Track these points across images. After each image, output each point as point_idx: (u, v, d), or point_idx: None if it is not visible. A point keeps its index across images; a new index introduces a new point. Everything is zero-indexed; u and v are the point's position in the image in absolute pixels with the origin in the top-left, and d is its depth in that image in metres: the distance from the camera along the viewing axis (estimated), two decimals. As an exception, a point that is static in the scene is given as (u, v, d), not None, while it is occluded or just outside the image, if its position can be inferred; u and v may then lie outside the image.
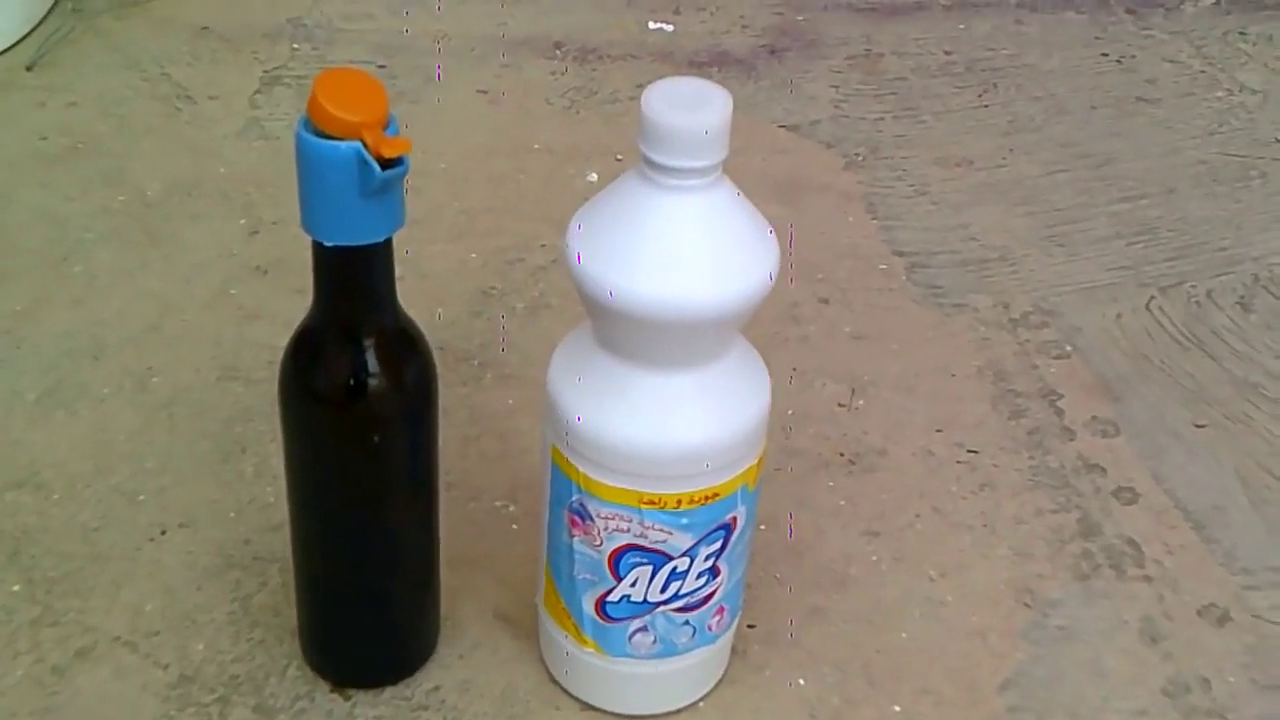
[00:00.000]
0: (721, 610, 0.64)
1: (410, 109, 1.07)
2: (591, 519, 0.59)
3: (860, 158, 1.07)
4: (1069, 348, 0.89)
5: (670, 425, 0.57)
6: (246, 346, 0.84)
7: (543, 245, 0.94)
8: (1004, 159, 1.08)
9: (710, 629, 0.64)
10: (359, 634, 0.64)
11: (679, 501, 0.58)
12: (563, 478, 0.59)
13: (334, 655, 0.65)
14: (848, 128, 1.10)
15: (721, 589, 0.62)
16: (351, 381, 0.57)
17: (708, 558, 0.60)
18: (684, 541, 0.59)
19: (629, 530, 0.59)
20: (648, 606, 0.61)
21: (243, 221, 0.95)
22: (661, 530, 0.59)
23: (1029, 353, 0.89)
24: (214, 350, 0.84)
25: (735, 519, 0.60)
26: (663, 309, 0.54)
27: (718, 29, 1.23)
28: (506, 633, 0.69)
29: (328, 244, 0.54)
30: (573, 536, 0.60)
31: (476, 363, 0.85)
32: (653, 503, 0.58)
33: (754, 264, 0.55)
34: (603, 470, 0.58)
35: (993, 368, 0.87)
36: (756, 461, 0.60)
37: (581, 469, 0.58)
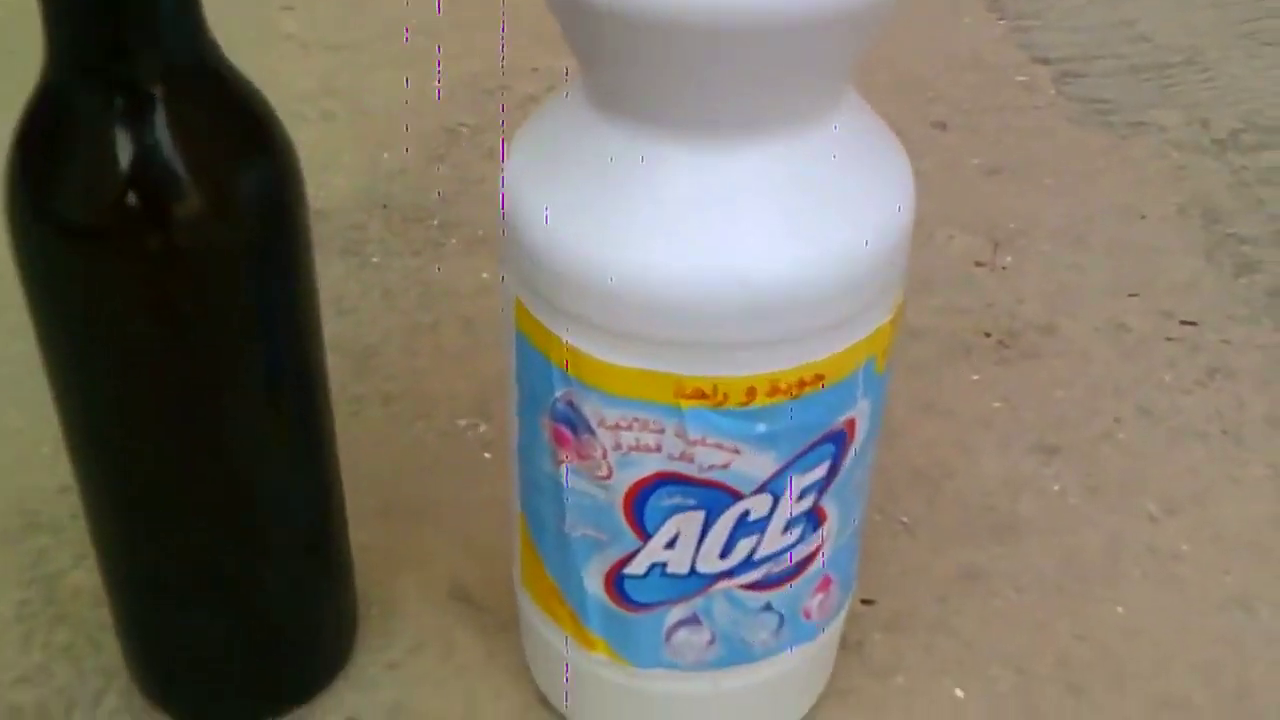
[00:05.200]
0: (827, 584, 0.37)
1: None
2: (591, 430, 0.32)
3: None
4: (1304, 174, 0.62)
5: (730, 244, 0.30)
6: None
7: (534, 69, 0.67)
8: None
9: (808, 615, 0.37)
10: (211, 643, 0.38)
11: (750, 392, 0.31)
12: (538, 358, 0.33)
13: (174, 678, 0.39)
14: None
15: (828, 548, 0.36)
16: (130, 186, 0.30)
17: (804, 494, 0.34)
18: (762, 466, 0.32)
19: (660, 448, 0.32)
20: (698, 581, 0.35)
21: None
22: (720, 446, 0.32)
23: (1248, 183, 0.62)
24: None
25: (853, 423, 0.33)
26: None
27: None
28: (468, 624, 0.43)
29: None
30: (560, 463, 0.34)
31: (436, 223, 0.59)
32: (702, 395, 0.31)
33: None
34: (608, 338, 0.31)
35: (1199, 205, 0.60)
36: (890, 319, 0.33)
37: (570, 340, 0.31)
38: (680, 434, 0.32)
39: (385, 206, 0.59)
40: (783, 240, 0.30)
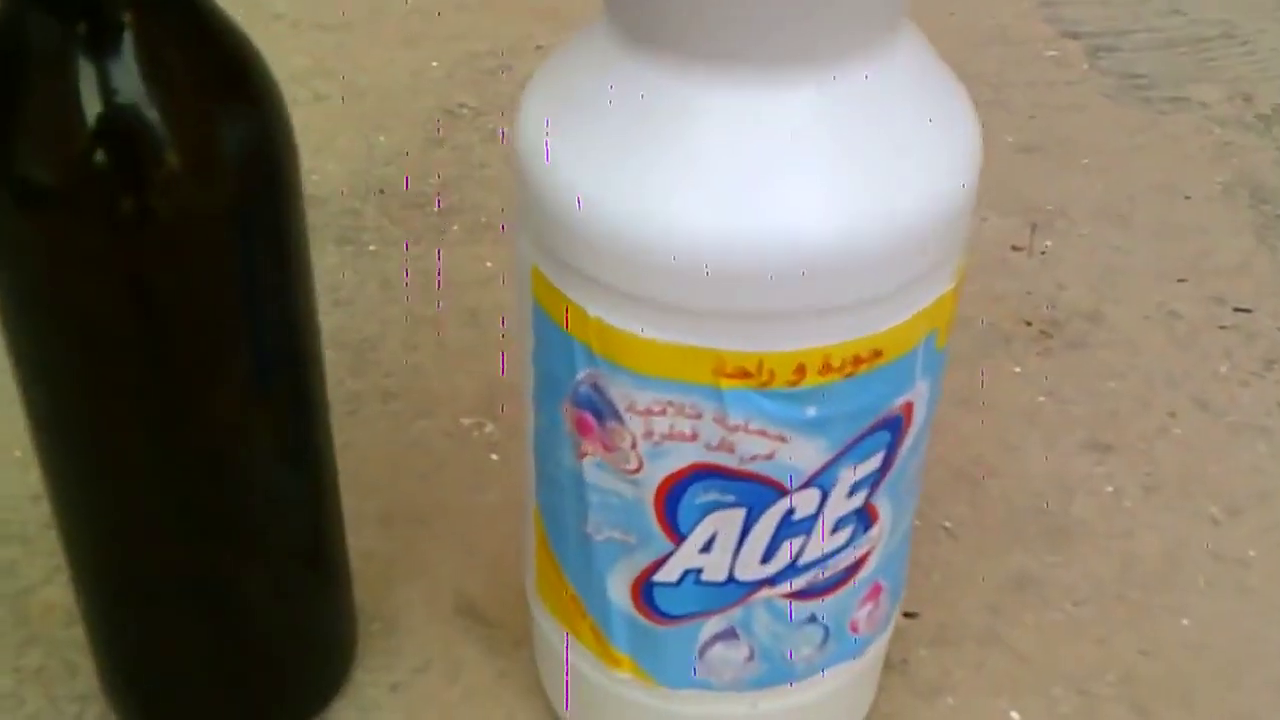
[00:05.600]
0: (877, 592, 0.33)
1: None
2: (619, 416, 0.29)
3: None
4: (1354, 153, 0.58)
5: (774, 198, 0.26)
6: None
7: (538, 47, 0.63)
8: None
9: (855, 628, 0.33)
10: (196, 664, 0.34)
11: (800, 370, 0.27)
12: (558, 334, 0.29)
13: (155, 703, 0.35)
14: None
15: (879, 551, 0.32)
16: (96, 136, 0.27)
17: (855, 489, 0.30)
18: (810, 456, 0.29)
19: (697, 436, 0.28)
20: (737, 590, 0.31)
21: None
22: (765, 433, 0.28)
23: (1297, 162, 0.58)
24: None
25: (910, 407, 0.30)
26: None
27: None
28: (477, 640, 0.39)
29: None
30: (583, 455, 0.30)
31: (436, 210, 0.55)
32: (745, 374, 0.27)
33: None
34: (638, 309, 0.27)
35: (1247, 184, 0.57)
36: (953, 286, 0.29)
37: (595, 312, 0.28)
38: (720, 419, 0.28)
39: (382, 192, 0.55)
40: (838, 193, 0.27)
